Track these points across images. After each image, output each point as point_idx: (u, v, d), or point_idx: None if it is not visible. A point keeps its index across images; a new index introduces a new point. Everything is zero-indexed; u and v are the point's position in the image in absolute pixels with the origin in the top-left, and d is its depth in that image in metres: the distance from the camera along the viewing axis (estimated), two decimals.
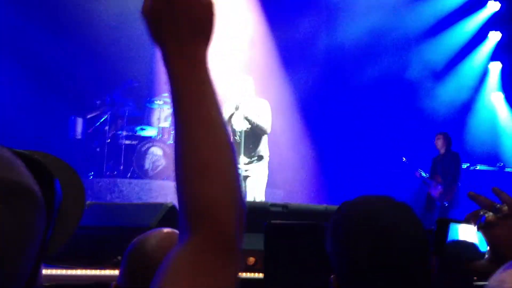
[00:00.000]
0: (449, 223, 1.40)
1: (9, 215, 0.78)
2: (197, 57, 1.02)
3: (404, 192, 9.96)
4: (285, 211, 3.80)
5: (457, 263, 1.45)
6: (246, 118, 6.46)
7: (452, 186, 9.57)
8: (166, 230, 1.82)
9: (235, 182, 1.02)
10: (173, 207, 3.48)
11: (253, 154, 6.56)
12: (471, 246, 1.39)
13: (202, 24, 1.04)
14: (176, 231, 1.77)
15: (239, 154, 6.42)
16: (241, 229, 1.01)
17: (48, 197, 0.87)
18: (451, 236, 1.39)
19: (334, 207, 4.22)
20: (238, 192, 1.03)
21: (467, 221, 1.40)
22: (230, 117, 6.52)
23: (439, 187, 9.56)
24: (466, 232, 1.40)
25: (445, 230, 1.39)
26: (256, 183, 6.56)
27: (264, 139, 6.65)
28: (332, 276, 1.50)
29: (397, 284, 1.38)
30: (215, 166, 0.99)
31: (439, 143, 9.79)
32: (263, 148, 6.66)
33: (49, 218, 0.88)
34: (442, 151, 9.78)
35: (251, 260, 3.58)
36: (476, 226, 1.36)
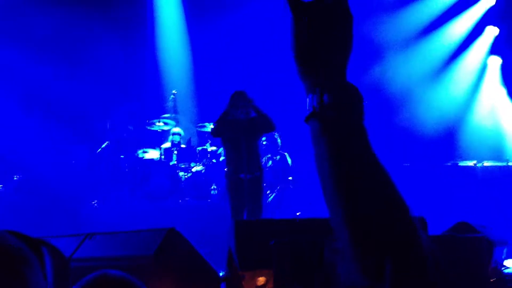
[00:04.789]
0: None
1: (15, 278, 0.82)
2: None
3: None
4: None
5: None
6: (255, 124, 6.58)
7: None
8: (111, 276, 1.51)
9: None
10: (172, 230, 3.41)
11: (254, 166, 6.66)
12: None
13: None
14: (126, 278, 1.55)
15: (242, 167, 6.49)
16: None
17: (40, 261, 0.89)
18: None
19: None
20: None
21: None
22: (236, 124, 6.59)
23: None
24: None
25: None
26: (259, 191, 6.73)
27: (258, 151, 6.86)
28: None
29: None
30: None
31: None
32: (260, 159, 6.88)
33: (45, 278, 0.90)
34: None
35: (261, 280, 3.50)
36: None
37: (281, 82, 11.43)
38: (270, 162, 9.77)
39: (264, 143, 9.57)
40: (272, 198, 9.58)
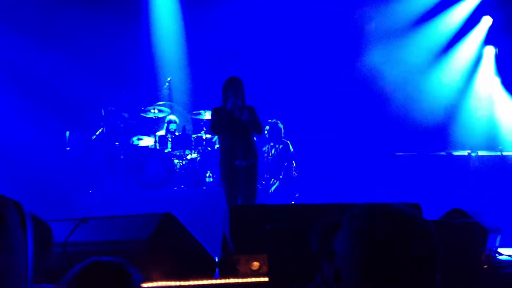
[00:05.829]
0: None
1: None
2: None
3: None
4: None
5: None
6: (247, 123, 6.56)
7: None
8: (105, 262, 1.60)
9: None
10: (169, 215, 3.41)
11: (249, 154, 6.66)
12: None
13: None
14: (121, 264, 1.60)
15: (238, 155, 6.49)
16: None
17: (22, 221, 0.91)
18: None
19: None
20: None
21: None
22: (230, 121, 6.59)
23: None
24: None
25: None
26: (254, 178, 6.75)
27: (254, 139, 6.86)
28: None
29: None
30: None
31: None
32: (255, 147, 6.85)
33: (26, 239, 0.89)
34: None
35: (256, 265, 3.51)
36: None
37: (281, 70, 11.41)
38: (273, 150, 9.77)
39: (266, 131, 9.58)
40: (276, 187, 9.60)
